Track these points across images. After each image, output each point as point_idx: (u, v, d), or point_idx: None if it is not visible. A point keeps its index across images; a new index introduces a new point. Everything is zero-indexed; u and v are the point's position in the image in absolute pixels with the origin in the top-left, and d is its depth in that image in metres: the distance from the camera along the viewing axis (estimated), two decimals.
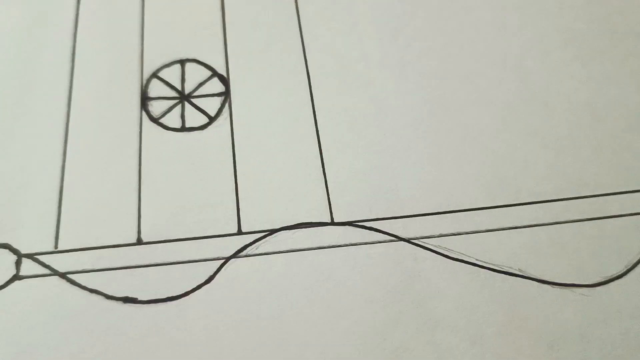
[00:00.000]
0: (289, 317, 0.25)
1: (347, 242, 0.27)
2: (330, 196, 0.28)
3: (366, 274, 0.26)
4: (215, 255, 0.26)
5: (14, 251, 0.26)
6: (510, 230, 0.27)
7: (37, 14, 0.33)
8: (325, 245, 0.27)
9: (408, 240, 0.27)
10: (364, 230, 0.27)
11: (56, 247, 0.27)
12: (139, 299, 0.25)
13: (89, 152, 0.28)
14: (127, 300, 0.25)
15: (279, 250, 0.26)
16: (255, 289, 0.25)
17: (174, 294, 0.26)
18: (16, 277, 0.26)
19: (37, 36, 0.32)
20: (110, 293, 0.26)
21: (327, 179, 0.28)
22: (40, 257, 0.26)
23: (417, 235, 0.27)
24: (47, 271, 0.26)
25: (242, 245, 0.27)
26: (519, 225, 0.27)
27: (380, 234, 0.27)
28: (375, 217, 0.27)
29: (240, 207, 0.27)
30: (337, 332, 0.25)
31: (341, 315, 0.25)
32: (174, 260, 0.26)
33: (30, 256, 0.26)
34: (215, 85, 0.30)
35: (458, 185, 0.28)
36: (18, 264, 0.26)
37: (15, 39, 0.32)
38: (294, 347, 0.24)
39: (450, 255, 0.26)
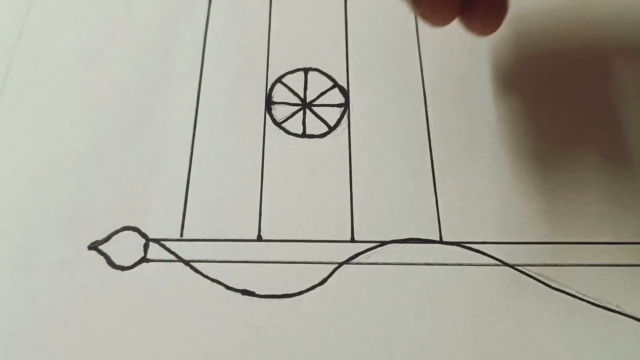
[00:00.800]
0: (395, 326, 0.26)
1: (454, 262, 0.28)
2: (440, 214, 0.29)
3: (471, 293, 0.27)
4: (329, 260, 0.28)
5: (143, 235, 0.28)
6: (611, 267, 0.28)
7: (172, 12, 0.35)
8: (432, 262, 0.28)
9: (512, 266, 0.28)
10: (470, 251, 0.28)
11: (181, 235, 0.28)
12: (256, 292, 0.27)
13: (215, 147, 0.30)
14: (245, 292, 0.27)
15: (389, 262, 0.28)
16: (365, 295, 0.27)
17: (289, 292, 0.27)
18: (144, 260, 0.28)
19: (172, 32, 0.34)
20: (229, 284, 0.27)
21: (437, 197, 0.29)
22: (167, 244, 0.28)
23: (522, 262, 0.28)
24: (172, 257, 0.28)
25: (354, 253, 0.28)
26: (620, 263, 0.28)
27: (487, 257, 0.28)
28: (483, 241, 0.28)
29: (354, 215, 0.29)
30: (441, 345, 0.26)
31: (445, 330, 0.26)
32: (290, 260, 0.28)
33: (157, 241, 0.28)
34: (336, 96, 0.32)
35: (564, 217, 0.29)
36: (146, 247, 0.28)
37: (151, 33, 0.34)
38: (399, 355, 0.26)
39: (551, 285, 0.27)
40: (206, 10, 0.35)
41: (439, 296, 0.27)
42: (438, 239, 0.28)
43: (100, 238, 0.28)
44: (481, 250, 0.28)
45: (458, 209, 0.29)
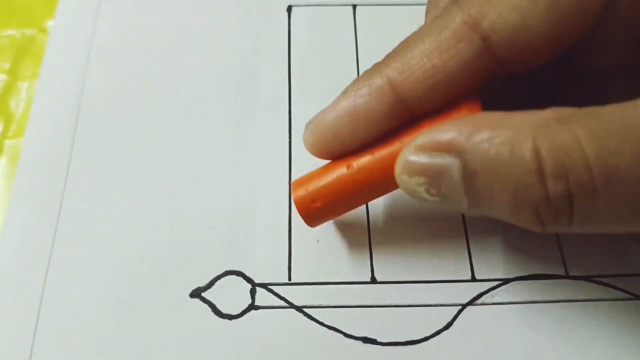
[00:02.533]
0: None
1: (584, 297, 0.26)
2: (562, 248, 0.27)
3: (606, 331, 0.25)
4: (450, 302, 0.26)
5: (248, 280, 0.26)
6: None
7: (252, 31, 0.33)
8: (560, 298, 0.26)
9: None
10: (599, 286, 0.26)
11: (289, 279, 0.26)
12: (378, 339, 0.25)
13: None
14: (366, 340, 0.25)
15: (514, 300, 0.26)
16: (494, 337, 0.25)
17: (412, 338, 0.25)
18: (252, 307, 0.26)
19: (254, 54, 0.32)
20: (346, 331, 0.25)
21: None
22: (275, 288, 0.26)
23: None
24: (282, 303, 0.26)
25: (477, 293, 0.26)
26: None
27: (618, 291, 0.26)
28: (612, 273, 0.26)
29: (471, 252, 0.27)
30: None
31: None
32: (409, 303, 0.26)
33: (264, 286, 0.26)
34: None
35: None
36: (253, 293, 0.26)
37: (233, 58, 0.32)
38: None
39: None
40: (287, 27, 0.33)
41: (572, 334, 0.25)
42: (564, 273, 0.26)
43: (201, 285, 0.26)
44: (611, 283, 0.26)
45: (582, 243, 0.27)
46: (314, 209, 0.24)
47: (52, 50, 0.33)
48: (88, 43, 0.33)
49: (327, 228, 0.27)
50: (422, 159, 0.21)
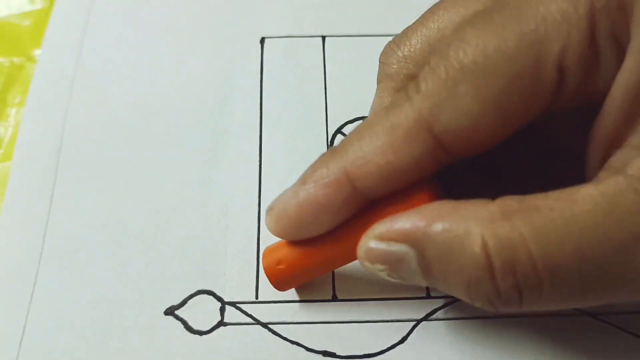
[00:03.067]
0: None
1: (534, 313, 0.28)
2: None
3: (555, 346, 0.27)
4: (406, 317, 0.28)
5: (218, 298, 0.28)
6: None
7: (225, 62, 0.35)
8: (513, 314, 0.28)
9: (594, 316, 0.28)
10: None
11: (257, 297, 0.28)
12: (337, 353, 0.27)
13: None
14: (326, 354, 0.27)
15: (467, 316, 0.28)
16: (447, 352, 0.27)
17: (370, 352, 0.27)
18: (221, 323, 0.28)
19: (227, 83, 0.34)
20: (308, 345, 0.27)
21: None
22: (243, 306, 0.28)
23: (602, 311, 0.28)
24: (249, 320, 0.28)
25: (431, 309, 0.28)
26: None
27: None
28: None
29: None
30: None
31: None
32: (368, 319, 0.28)
33: (233, 304, 0.28)
34: None
35: None
36: (222, 310, 0.28)
37: (207, 86, 0.34)
38: None
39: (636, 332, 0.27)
40: (259, 58, 0.35)
41: (523, 349, 0.27)
42: None
43: (175, 303, 0.28)
44: None
45: None
46: (279, 271, 0.26)
47: (38, 78, 0.34)
48: (73, 72, 0.35)
49: None
50: (382, 247, 0.23)
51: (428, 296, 0.28)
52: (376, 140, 0.23)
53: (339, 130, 0.32)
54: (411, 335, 0.27)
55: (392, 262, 0.23)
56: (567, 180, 0.22)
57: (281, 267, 0.26)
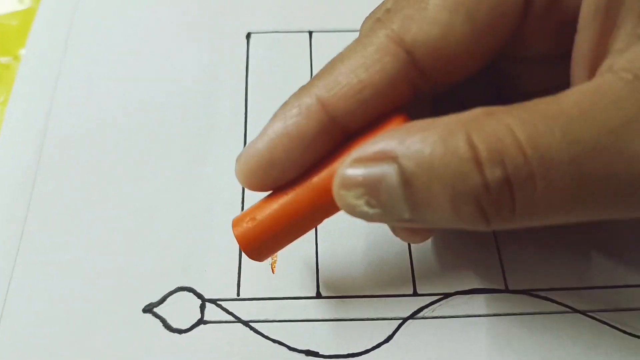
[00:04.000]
0: None
1: (523, 311, 0.27)
2: (503, 263, 0.28)
3: (543, 343, 0.26)
4: (392, 315, 0.27)
5: (198, 295, 0.27)
6: None
7: (211, 57, 0.34)
8: (500, 312, 0.27)
9: (584, 313, 0.27)
10: (538, 299, 0.27)
11: (238, 294, 0.27)
12: (320, 352, 0.26)
13: None
14: (309, 353, 0.26)
15: (455, 314, 0.27)
16: (433, 351, 0.26)
17: (354, 351, 0.26)
18: (201, 321, 0.27)
19: (213, 80, 0.33)
20: (290, 344, 0.26)
21: (499, 246, 0.28)
22: (223, 304, 0.27)
23: (593, 308, 0.27)
24: (230, 318, 0.27)
25: (418, 307, 0.27)
26: None
27: (556, 304, 0.27)
28: (550, 287, 0.27)
29: (414, 268, 0.28)
30: None
31: None
32: (352, 317, 0.27)
33: (213, 301, 0.27)
34: None
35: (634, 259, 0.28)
36: (202, 308, 0.27)
37: (192, 82, 0.33)
38: None
39: (627, 330, 0.26)
40: (245, 53, 0.34)
41: (510, 348, 0.26)
42: (504, 287, 0.27)
43: (154, 300, 0.27)
44: (549, 297, 0.27)
45: (521, 255, 0.28)
46: (249, 230, 0.23)
47: (21, 77, 0.34)
48: (57, 71, 0.34)
49: None
50: (358, 171, 0.21)
51: (415, 294, 0.27)
52: (347, 62, 0.22)
53: None
54: (397, 334, 0.26)
55: (371, 183, 0.20)
56: None
57: (249, 224, 0.23)
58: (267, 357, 0.26)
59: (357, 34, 0.34)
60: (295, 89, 0.32)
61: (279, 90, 0.33)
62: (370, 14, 0.25)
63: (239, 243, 0.23)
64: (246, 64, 0.34)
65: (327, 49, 0.34)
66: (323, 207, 0.23)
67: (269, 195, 0.24)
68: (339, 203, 0.22)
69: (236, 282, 0.28)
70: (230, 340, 0.26)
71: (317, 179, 0.23)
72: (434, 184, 0.19)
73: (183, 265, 0.28)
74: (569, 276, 0.28)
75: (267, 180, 0.23)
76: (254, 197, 0.25)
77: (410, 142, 0.20)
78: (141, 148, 0.31)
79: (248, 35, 0.35)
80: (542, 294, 0.27)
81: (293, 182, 0.23)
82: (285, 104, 0.23)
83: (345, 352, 0.26)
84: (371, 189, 0.21)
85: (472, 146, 0.19)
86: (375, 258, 0.28)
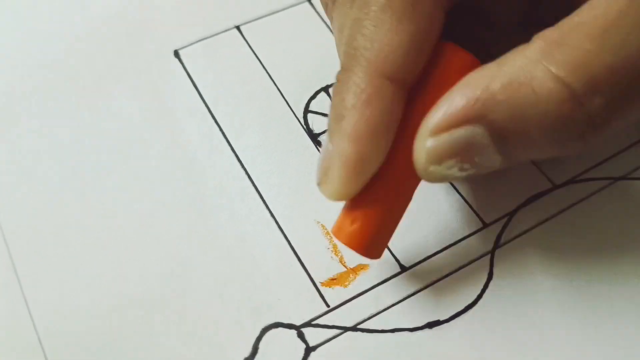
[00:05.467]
0: None
1: (575, 200, 0.28)
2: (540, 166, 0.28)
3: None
4: (479, 254, 0.26)
5: (289, 326, 0.25)
6: None
7: (153, 91, 0.30)
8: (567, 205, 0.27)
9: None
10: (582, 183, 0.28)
11: (328, 306, 0.25)
12: (441, 319, 0.25)
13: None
14: (431, 325, 0.25)
15: (530, 226, 0.27)
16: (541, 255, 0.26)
17: (467, 303, 0.25)
18: (310, 350, 0.24)
19: (166, 112, 0.30)
20: (410, 325, 0.25)
21: None
22: (320, 321, 0.25)
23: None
24: (335, 332, 0.25)
25: (495, 236, 0.27)
26: None
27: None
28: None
29: (470, 203, 0.27)
30: None
31: None
32: (445, 274, 0.26)
33: (308, 324, 0.25)
34: None
35: None
36: (301, 336, 0.25)
37: (146, 123, 0.29)
38: None
39: None
40: (184, 71, 0.31)
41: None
42: (551, 185, 0.28)
43: (246, 354, 0.24)
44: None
45: None
46: (358, 231, 0.22)
47: None
48: None
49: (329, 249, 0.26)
50: (444, 141, 0.20)
51: (484, 225, 0.27)
52: (378, 25, 0.21)
53: (307, 110, 0.30)
54: (495, 267, 0.26)
55: (463, 150, 0.20)
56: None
57: (356, 225, 0.22)
58: (394, 348, 0.24)
59: (283, 13, 0.32)
60: (252, 85, 0.30)
61: (240, 92, 0.30)
62: None
63: (353, 248, 0.22)
64: (191, 80, 0.31)
65: (262, 35, 0.32)
66: (413, 181, 0.22)
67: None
68: (428, 178, 0.21)
69: (317, 294, 0.25)
70: (349, 351, 0.24)
71: (401, 157, 0.21)
72: (533, 129, 0.19)
73: (252, 306, 0.25)
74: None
75: (362, 182, 0.21)
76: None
77: (493, 95, 0.19)
78: (139, 208, 0.27)
79: (176, 53, 0.32)
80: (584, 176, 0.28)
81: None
82: (339, 97, 0.21)
83: (462, 307, 0.25)
84: (464, 155, 0.20)
85: (564, 84, 0.18)
86: (427, 210, 0.27)
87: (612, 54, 0.18)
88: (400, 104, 0.21)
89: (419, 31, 0.21)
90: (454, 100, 0.19)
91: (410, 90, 0.22)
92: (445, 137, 0.20)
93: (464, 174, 0.20)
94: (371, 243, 0.22)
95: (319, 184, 0.22)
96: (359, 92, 0.21)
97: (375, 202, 0.22)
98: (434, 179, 0.21)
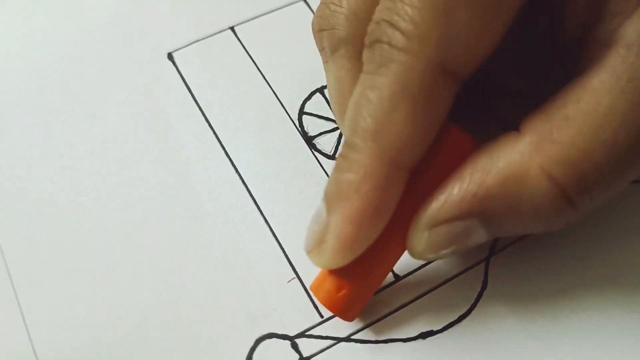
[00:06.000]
0: None
1: None
2: None
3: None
4: (474, 261, 0.26)
5: (283, 337, 0.25)
6: None
7: (147, 94, 0.30)
8: None
9: None
10: None
11: (322, 316, 0.25)
12: (434, 329, 0.25)
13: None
14: (425, 335, 0.25)
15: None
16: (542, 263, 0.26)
17: (459, 313, 0.25)
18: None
19: (161, 116, 0.29)
20: (404, 336, 0.25)
21: None
22: (313, 332, 0.25)
23: None
24: (329, 342, 0.25)
25: (490, 243, 0.26)
26: None
27: None
28: None
29: None
30: None
31: None
32: (440, 283, 0.26)
33: (302, 335, 0.25)
34: None
35: None
36: (295, 346, 0.25)
37: (141, 127, 0.29)
38: None
39: None
40: (177, 74, 0.30)
41: None
42: None
43: None
44: None
45: None
46: (343, 299, 0.23)
47: None
48: None
49: None
50: (443, 232, 0.21)
51: None
52: (390, 110, 0.20)
53: (302, 112, 0.29)
54: (490, 275, 0.26)
55: (459, 240, 0.21)
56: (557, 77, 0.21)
57: (343, 292, 0.23)
58: (389, 359, 0.24)
59: (278, 13, 0.31)
60: (246, 87, 0.29)
61: (234, 95, 0.30)
62: (327, 5, 0.23)
63: (336, 314, 0.24)
64: (184, 83, 0.30)
65: (257, 36, 0.31)
66: (399, 252, 0.23)
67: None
68: (423, 259, 0.23)
69: (312, 304, 0.25)
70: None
71: (394, 227, 0.22)
72: (525, 220, 0.21)
73: (248, 316, 0.25)
74: None
75: (353, 258, 0.22)
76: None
77: (488, 191, 0.20)
78: (136, 218, 0.27)
79: (170, 56, 0.31)
80: None
81: None
82: (343, 175, 0.21)
83: (456, 317, 0.25)
84: (459, 243, 0.21)
85: (557, 184, 0.20)
86: None
87: (602, 153, 0.19)
88: (402, 187, 0.21)
89: (433, 123, 0.21)
90: (452, 195, 0.21)
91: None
92: (444, 230, 0.21)
93: (454, 253, 0.22)
94: (354, 310, 0.24)
95: (308, 252, 0.22)
96: (366, 176, 0.20)
97: (362, 272, 0.23)
98: (425, 259, 0.23)
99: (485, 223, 0.21)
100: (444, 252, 0.22)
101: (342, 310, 0.23)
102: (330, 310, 0.23)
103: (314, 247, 0.22)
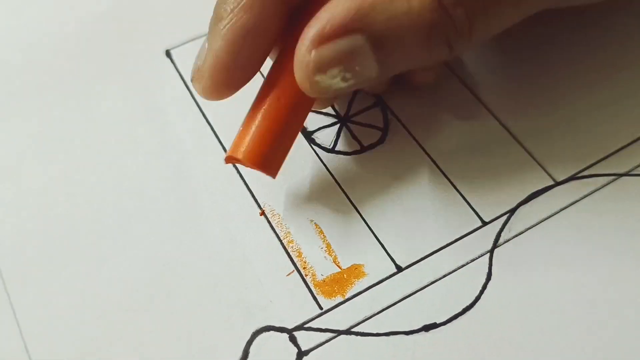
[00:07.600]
0: None
1: (578, 197, 0.27)
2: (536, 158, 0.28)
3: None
4: (479, 253, 0.25)
5: (281, 330, 0.24)
6: None
7: (145, 90, 0.30)
8: (566, 204, 0.26)
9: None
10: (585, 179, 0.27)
11: (321, 308, 0.24)
12: (438, 322, 0.24)
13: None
14: (427, 328, 0.24)
15: (530, 224, 0.26)
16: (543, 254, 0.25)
17: (464, 304, 0.24)
18: (302, 354, 0.23)
19: (157, 112, 0.29)
20: (406, 328, 0.24)
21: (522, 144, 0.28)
22: (312, 324, 0.24)
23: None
24: (329, 335, 0.24)
25: (495, 235, 0.26)
26: None
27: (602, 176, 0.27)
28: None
29: (468, 200, 0.27)
30: None
31: None
32: (444, 274, 0.25)
33: (300, 327, 0.24)
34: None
35: None
36: (294, 340, 0.24)
37: (137, 124, 0.29)
38: None
39: None
40: (175, 70, 0.30)
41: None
42: (552, 182, 0.27)
43: (237, 358, 0.23)
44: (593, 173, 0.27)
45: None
46: (255, 151, 0.23)
47: None
48: None
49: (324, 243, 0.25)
50: (330, 49, 0.21)
51: (484, 223, 0.26)
52: None
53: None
54: (494, 267, 0.25)
55: (346, 58, 0.21)
56: None
57: (262, 146, 0.23)
58: (389, 352, 0.23)
59: None
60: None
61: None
62: None
63: (249, 164, 0.23)
64: (182, 80, 0.30)
65: None
66: (304, 97, 0.23)
67: (248, 113, 0.24)
68: (312, 89, 0.22)
69: (310, 296, 0.24)
70: (343, 356, 0.23)
71: (288, 73, 0.22)
72: (406, 38, 0.21)
73: (243, 307, 0.24)
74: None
75: (234, 85, 0.23)
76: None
77: (372, 9, 0.21)
78: (130, 216, 0.27)
79: (167, 53, 0.31)
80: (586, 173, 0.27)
81: (263, 86, 0.24)
82: (221, 1, 0.23)
83: (460, 309, 0.24)
84: (347, 62, 0.21)
85: None
86: (424, 208, 0.26)
87: None
88: (280, 15, 0.22)
89: None
90: (335, 12, 0.21)
91: (295, 9, 0.23)
92: (330, 46, 0.21)
93: (346, 84, 0.22)
94: (266, 158, 0.23)
95: (192, 80, 0.24)
96: (240, 1, 0.22)
97: (267, 119, 0.23)
98: (317, 90, 0.22)
99: (370, 41, 0.21)
100: (332, 73, 0.21)
101: (256, 160, 0.23)
102: (253, 167, 0.23)
103: (195, 74, 0.23)
